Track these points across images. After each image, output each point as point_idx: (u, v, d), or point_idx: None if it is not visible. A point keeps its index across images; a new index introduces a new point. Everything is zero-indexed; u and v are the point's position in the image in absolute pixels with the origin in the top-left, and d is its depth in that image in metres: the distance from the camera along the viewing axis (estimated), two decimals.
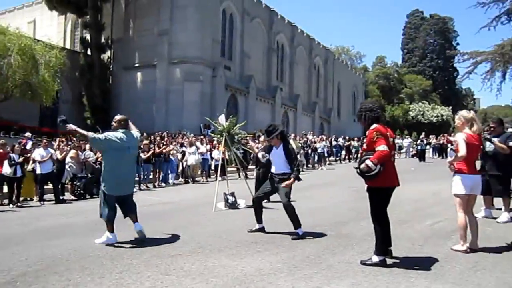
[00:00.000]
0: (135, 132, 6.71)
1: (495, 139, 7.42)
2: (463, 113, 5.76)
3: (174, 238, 6.48)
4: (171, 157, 16.64)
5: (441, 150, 28.65)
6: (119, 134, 6.29)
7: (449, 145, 25.46)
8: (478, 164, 6.39)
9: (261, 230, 6.81)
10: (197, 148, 17.36)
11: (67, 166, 13.24)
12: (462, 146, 5.34)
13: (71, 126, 6.18)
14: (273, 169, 6.72)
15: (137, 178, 14.91)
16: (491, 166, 7.42)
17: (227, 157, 11.06)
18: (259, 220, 6.87)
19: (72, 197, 12.89)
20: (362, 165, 4.79)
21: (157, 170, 16.25)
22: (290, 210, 6.40)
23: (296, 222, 6.40)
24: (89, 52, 34.36)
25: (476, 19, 74.67)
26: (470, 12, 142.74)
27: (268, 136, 6.75)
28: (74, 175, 13.23)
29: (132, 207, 6.50)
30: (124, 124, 6.48)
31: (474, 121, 5.62)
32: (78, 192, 12.91)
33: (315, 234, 6.47)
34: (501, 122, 8.05)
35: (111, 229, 6.25)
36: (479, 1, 17.22)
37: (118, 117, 6.57)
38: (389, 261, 4.91)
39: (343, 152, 28.36)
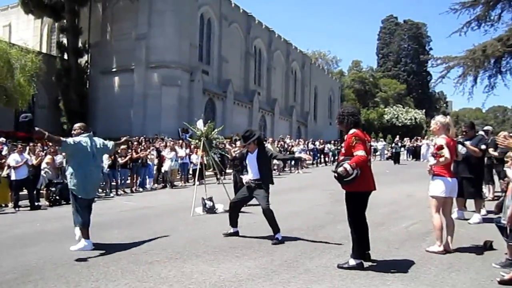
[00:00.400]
0: (101, 140, 6.77)
1: (467, 143, 7.63)
2: (440, 118, 5.90)
3: (151, 244, 6.43)
4: (149, 162, 16.53)
5: (415, 153, 29.17)
6: (83, 138, 6.38)
7: (422, 146, 25.94)
8: None
9: (236, 234, 6.83)
10: (176, 153, 17.28)
11: (42, 172, 13.01)
12: (446, 151, 5.49)
13: (41, 131, 5.73)
14: (249, 175, 6.73)
15: (114, 183, 14.80)
16: (463, 169, 7.59)
17: (205, 161, 11.03)
18: (233, 224, 6.88)
19: (48, 203, 12.67)
20: (340, 169, 4.82)
21: (135, 175, 16.12)
22: (269, 215, 6.40)
23: (275, 227, 6.42)
24: (65, 57, 33.68)
25: (449, 25, 76.35)
26: (443, 17, 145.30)
27: (245, 142, 6.73)
28: (49, 180, 12.98)
29: (90, 214, 6.46)
30: (84, 129, 6.58)
31: (449, 126, 5.78)
32: (54, 198, 12.67)
33: (293, 238, 6.51)
34: (472, 126, 8.28)
35: (86, 236, 6.19)
36: (451, 6, 17.64)
37: (78, 124, 6.71)
38: (365, 264, 4.97)
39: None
